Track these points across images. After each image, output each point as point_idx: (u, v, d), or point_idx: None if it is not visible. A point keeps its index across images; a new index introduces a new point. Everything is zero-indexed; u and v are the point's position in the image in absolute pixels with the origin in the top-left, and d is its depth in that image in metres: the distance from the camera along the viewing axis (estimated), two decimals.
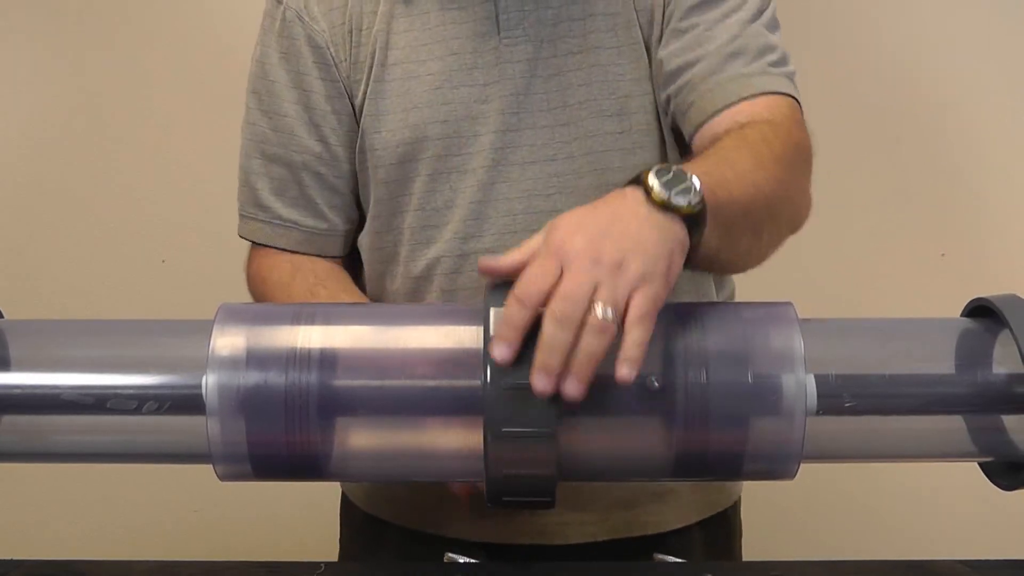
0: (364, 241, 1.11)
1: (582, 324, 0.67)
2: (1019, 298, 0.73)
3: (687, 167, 0.76)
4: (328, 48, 1.06)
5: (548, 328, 0.67)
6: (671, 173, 0.74)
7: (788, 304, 0.74)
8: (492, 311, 0.69)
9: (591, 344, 0.66)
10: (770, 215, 0.88)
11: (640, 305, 0.68)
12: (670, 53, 1.02)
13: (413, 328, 0.75)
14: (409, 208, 1.06)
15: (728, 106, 0.97)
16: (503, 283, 0.71)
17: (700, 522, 1.11)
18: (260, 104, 1.09)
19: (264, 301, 1.08)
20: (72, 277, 1.73)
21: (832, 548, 1.71)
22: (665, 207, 0.72)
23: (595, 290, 0.67)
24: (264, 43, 1.09)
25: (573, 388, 0.66)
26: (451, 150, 1.03)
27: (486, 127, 1.03)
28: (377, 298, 1.11)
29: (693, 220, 0.74)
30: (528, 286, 0.68)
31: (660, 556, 0.87)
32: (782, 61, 1.02)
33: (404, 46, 1.05)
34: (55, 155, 1.73)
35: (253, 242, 1.12)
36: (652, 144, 1.05)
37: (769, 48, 1.01)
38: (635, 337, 0.67)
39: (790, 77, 1.01)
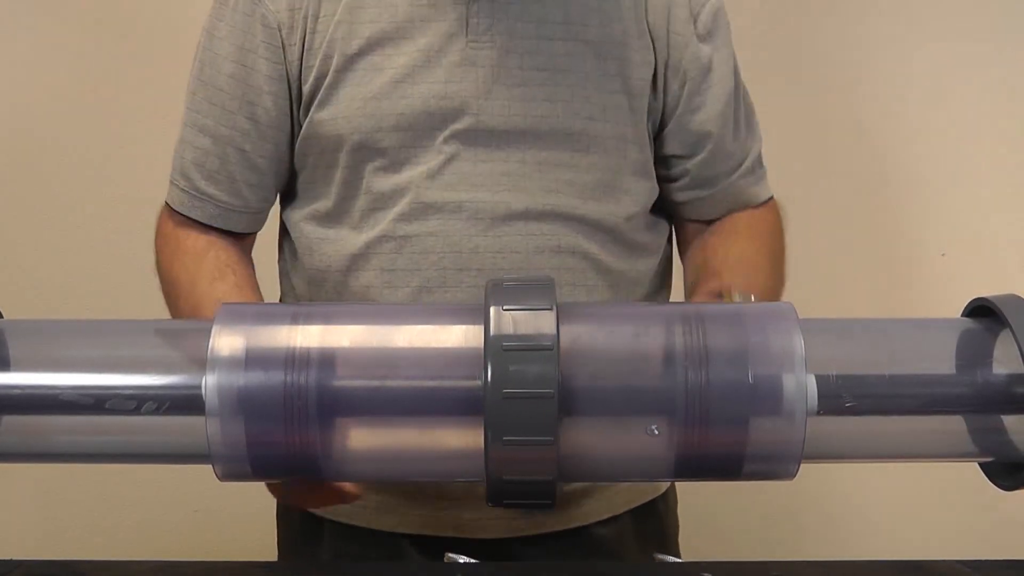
0: (299, 216, 1.12)
1: None
2: (1019, 298, 0.73)
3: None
4: (280, 30, 1.08)
5: None
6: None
7: (788, 304, 0.74)
8: (492, 310, 0.69)
9: None
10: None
11: None
12: (692, 127, 1.13)
13: (412, 328, 0.75)
14: (360, 192, 1.08)
15: (734, 211, 1.16)
16: (503, 282, 0.71)
17: (630, 511, 1.15)
18: (201, 74, 1.11)
19: (170, 263, 1.11)
20: (72, 277, 1.73)
21: (831, 548, 1.71)
22: None
23: None
24: (217, 15, 1.11)
25: None
26: (406, 142, 1.06)
27: (443, 122, 1.06)
28: (304, 272, 1.12)
29: None
30: None
31: (660, 556, 0.87)
32: (762, 161, 1.19)
33: (369, 36, 1.06)
34: (55, 154, 1.73)
35: (171, 208, 1.13)
36: (609, 168, 1.09)
37: (759, 151, 1.18)
38: None
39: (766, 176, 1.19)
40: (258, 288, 1.11)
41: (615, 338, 0.71)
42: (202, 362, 0.70)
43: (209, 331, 0.71)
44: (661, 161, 1.14)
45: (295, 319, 0.73)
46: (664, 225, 1.18)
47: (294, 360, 0.70)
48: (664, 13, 1.10)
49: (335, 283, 1.09)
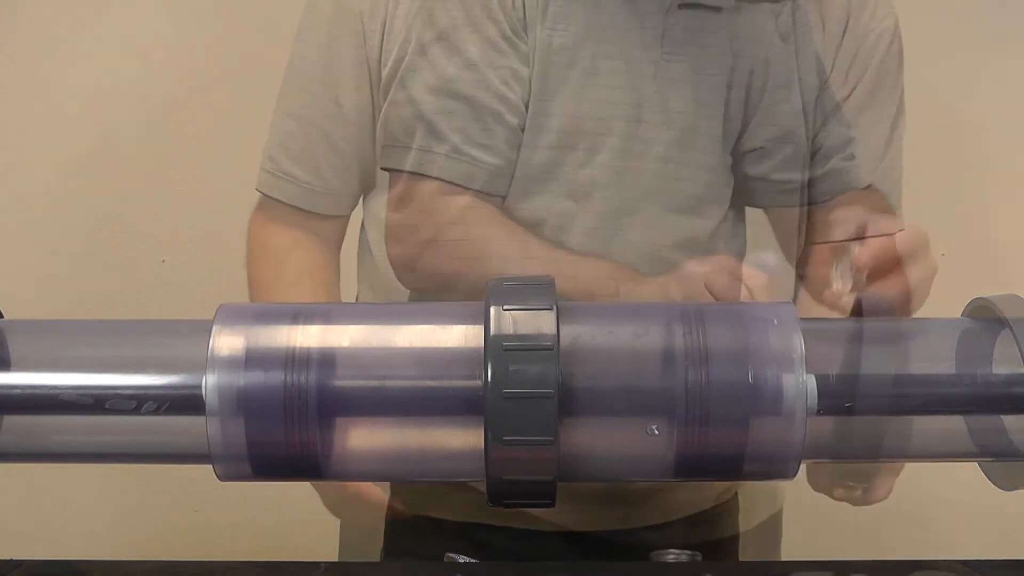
0: (378, 204, 1.14)
1: None
2: (1019, 298, 0.73)
3: None
4: (361, 17, 1.10)
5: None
6: None
7: (788, 304, 0.74)
8: (492, 310, 0.69)
9: None
10: None
11: None
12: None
13: (412, 328, 0.75)
14: (431, 177, 1.08)
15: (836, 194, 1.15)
16: (503, 282, 0.71)
17: (685, 518, 1.14)
18: (290, 66, 1.15)
19: (254, 263, 1.16)
20: (72, 277, 1.73)
21: (831, 548, 1.71)
22: None
23: None
24: (309, 10, 1.15)
25: None
26: (478, 126, 1.06)
27: (517, 111, 1.05)
28: (377, 267, 1.14)
29: None
30: None
31: (658, 553, 0.87)
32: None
33: (447, 22, 1.07)
34: (54, 154, 1.73)
35: (263, 194, 1.17)
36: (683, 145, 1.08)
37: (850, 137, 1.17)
38: None
39: None
40: (337, 295, 1.14)
41: (615, 338, 0.71)
42: (202, 362, 0.70)
43: (209, 331, 0.71)
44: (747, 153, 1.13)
45: (295, 319, 0.73)
46: (741, 230, 1.16)
47: (294, 360, 0.70)
48: None
49: (410, 268, 1.10)
